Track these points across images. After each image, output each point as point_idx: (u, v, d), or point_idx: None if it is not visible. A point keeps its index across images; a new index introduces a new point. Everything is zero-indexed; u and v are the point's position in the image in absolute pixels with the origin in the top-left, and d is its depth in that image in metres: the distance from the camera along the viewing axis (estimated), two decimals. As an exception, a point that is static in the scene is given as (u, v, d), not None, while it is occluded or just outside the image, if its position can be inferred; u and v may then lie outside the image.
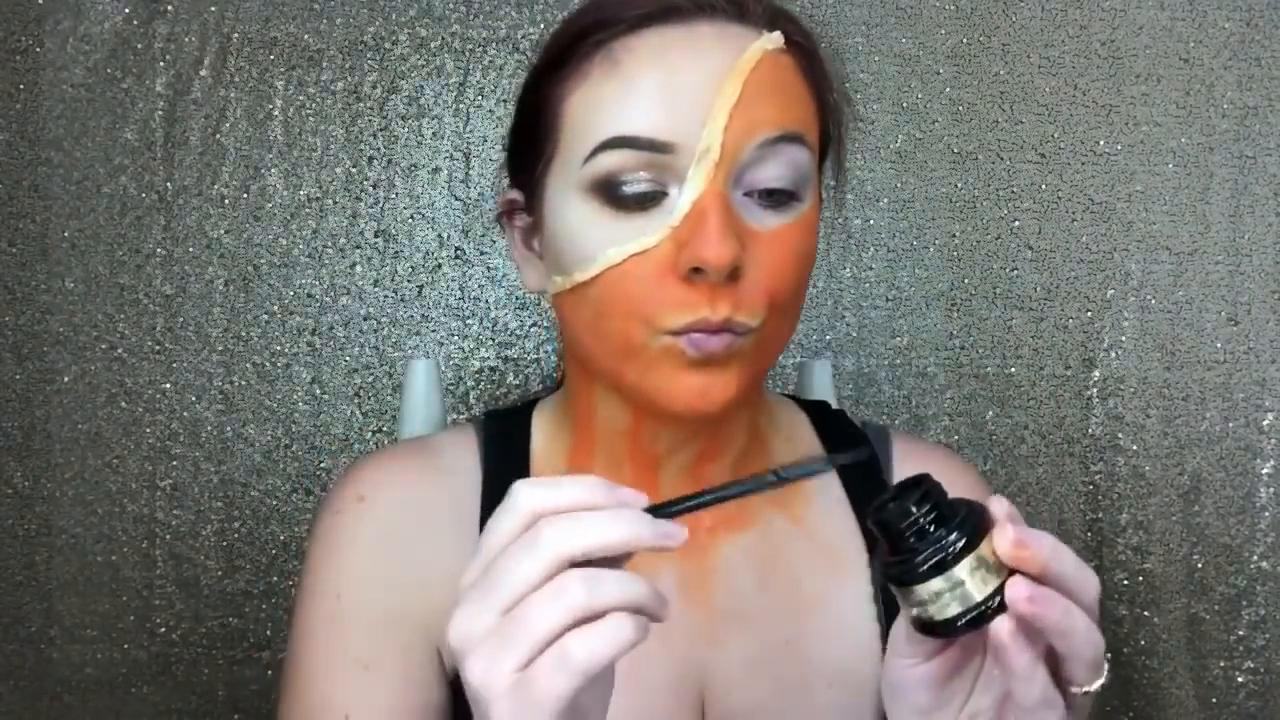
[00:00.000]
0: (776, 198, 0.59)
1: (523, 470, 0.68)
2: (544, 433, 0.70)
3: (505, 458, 0.68)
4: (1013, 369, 1.18)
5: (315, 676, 0.61)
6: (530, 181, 0.64)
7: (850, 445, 0.76)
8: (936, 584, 0.40)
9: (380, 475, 0.66)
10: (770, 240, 0.58)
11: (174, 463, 1.16)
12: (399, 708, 0.60)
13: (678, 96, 0.57)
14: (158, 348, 1.16)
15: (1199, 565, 1.19)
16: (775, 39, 0.59)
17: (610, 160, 0.57)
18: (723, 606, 0.66)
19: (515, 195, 0.66)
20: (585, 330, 0.61)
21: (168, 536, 1.16)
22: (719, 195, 0.56)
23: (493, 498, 0.65)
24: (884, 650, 0.68)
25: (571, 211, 0.59)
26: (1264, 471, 1.18)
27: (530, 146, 0.63)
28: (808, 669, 0.66)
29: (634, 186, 0.57)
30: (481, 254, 1.17)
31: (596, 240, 0.58)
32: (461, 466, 0.68)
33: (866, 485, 0.73)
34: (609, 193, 0.58)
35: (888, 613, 0.69)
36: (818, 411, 0.78)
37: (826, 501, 0.72)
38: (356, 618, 0.62)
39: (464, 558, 0.60)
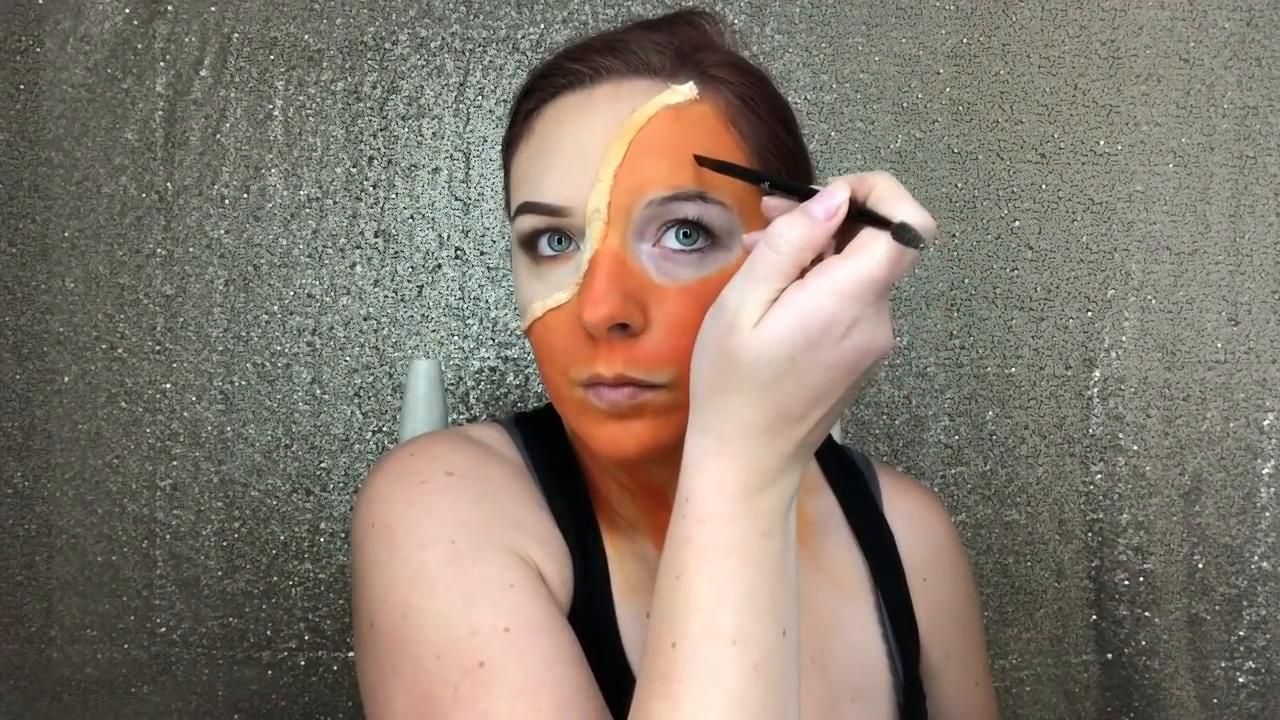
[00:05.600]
0: (693, 248, 0.59)
1: (575, 472, 0.69)
2: (574, 440, 0.72)
3: (554, 458, 0.69)
4: (1013, 369, 1.18)
5: (450, 612, 0.57)
6: None
7: (844, 472, 0.78)
8: None
9: (459, 455, 0.65)
10: (680, 296, 0.58)
11: (174, 463, 1.16)
12: (553, 621, 0.58)
13: (572, 162, 0.59)
14: (158, 348, 1.16)
15: (1200, 565, 1.19)
16: (680, 91, 0.59)
17: (525, 223, 0.61)
18: None
19: None
20: (540, 372, 0.65)
21: (168, 536, 1.16)
22: (609, 254, 0.58)
23: (549, 490, 0.67)
24: (892, 672, 0.70)
25: (515, 263, 0.64)
26: (1265, 471, 1.18)
27: (506, 201, 0.69)
28: (833, 687, 0.68)
29: (551, 243, 0.61)
30: (481, 254, 1.17)
31: (529, 293, 0.62)
32: (513, 459, 0.69)
33: (867, 516, 0.76)
34: (532, 249, 0.62)
35: (896, 638, 0.72)
36: None
37: (832, 533, 0.74)
38: (482, 551, 0.60)
39: (544, 530, 0.63)
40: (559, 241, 0.60)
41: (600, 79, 0.61)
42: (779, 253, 0.50)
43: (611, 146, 0.58)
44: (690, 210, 0.58)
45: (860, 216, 0.50)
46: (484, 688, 0.54)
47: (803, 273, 0.50)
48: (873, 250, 0.49)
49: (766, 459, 0.51)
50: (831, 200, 0.50)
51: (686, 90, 0.60)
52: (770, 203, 0.56)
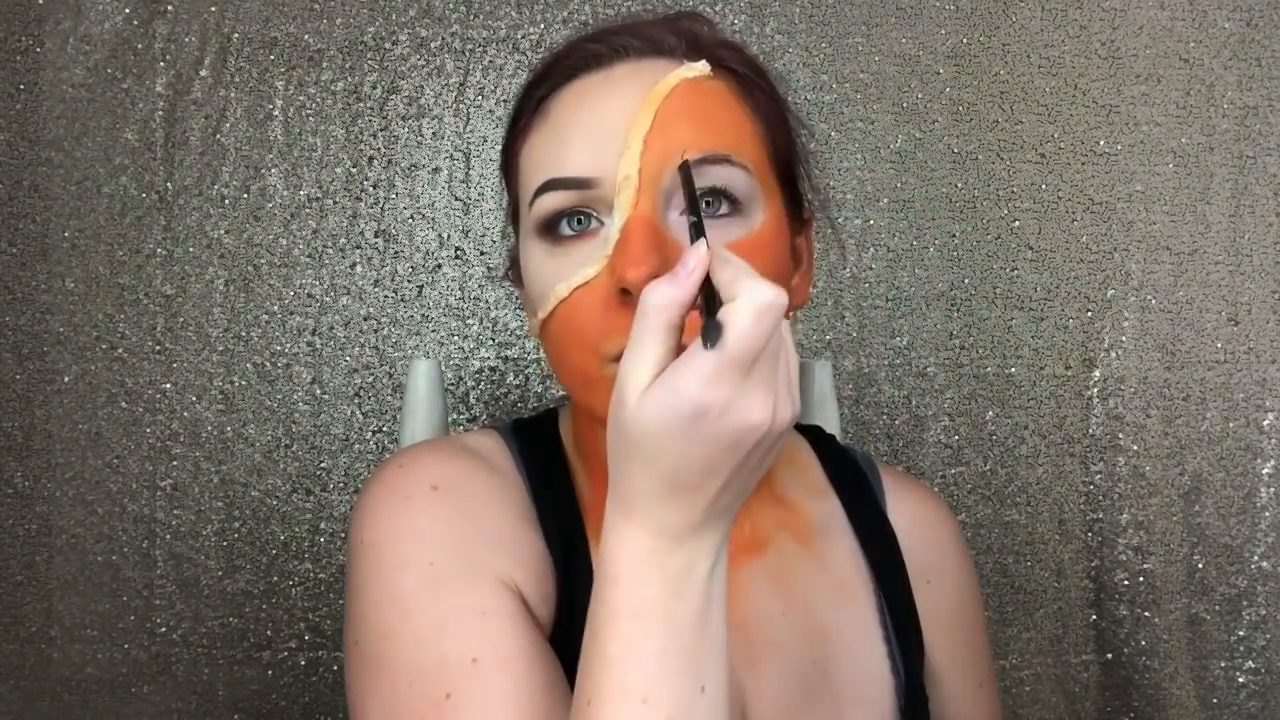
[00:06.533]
0: (718, 215, 0.60)
1: (566, 482, 0.69)
2: (570, 448, 0.72)
3: (547, 467, 0.69)
4: (1013, 369, 1.18)
5: (423, 639, 0.58)
6: (516, 234, 0.68)
7: (848, 473, 0.78)
8: None
9: (447, 468, 0.66)
10: None
11: (174, 463, 1.16)
12: (524, 649, 0.59)
13: (597, 134, 0.60)
14: (158, 348, 1.16)
15: (1200, 565, 1.19)
16: (695, 67, 0.61)
17: (547, 202, 0.61)
18: (753, 630, 0.68)
19: (514, 248, 0.70)
20: (556, 366, 0.65)
21: (168, 536, 1.16)
22: (642, 219, 0.58)
23: (542, 501, 0.67)
24: (894, 674, 0.69)
25: (530, 255, 0.64)
26: (1264, 471, 1.18)
27: (510, 203, 0.69)
28: (834, 690, 0.68)
29: (571, 224, 0.61)
30: (481, 254, 1.17)
31: (548, 278, 0.62)
32: (506, 470, 0.69)
33: (870, 519, 0.76)
34: (551, 232, 0.61)
35: (899, 640, 0.72)
36: (812, 435, 0.81)
37: (835, 535, 0.74)
38: (459, 575, 0.61)
39: (528, 547, 0.63)
40: (579, 221, 0.61)
41: (619, 58, 0.62)
42: (645, 316, 0.50)
43: (639, 114, 0.59)
44: (718, 175, 0.59)
45: (707, 294, 0.51)
46: None
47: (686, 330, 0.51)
48: (736, 331, 0.48)
49: (670, 523, 0.51)
50: (689, 257, 0.50)
51: (701, 66, 0.62)
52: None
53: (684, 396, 0.48)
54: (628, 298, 0.57)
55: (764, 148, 0.63)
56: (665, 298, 0.50)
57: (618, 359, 0.58)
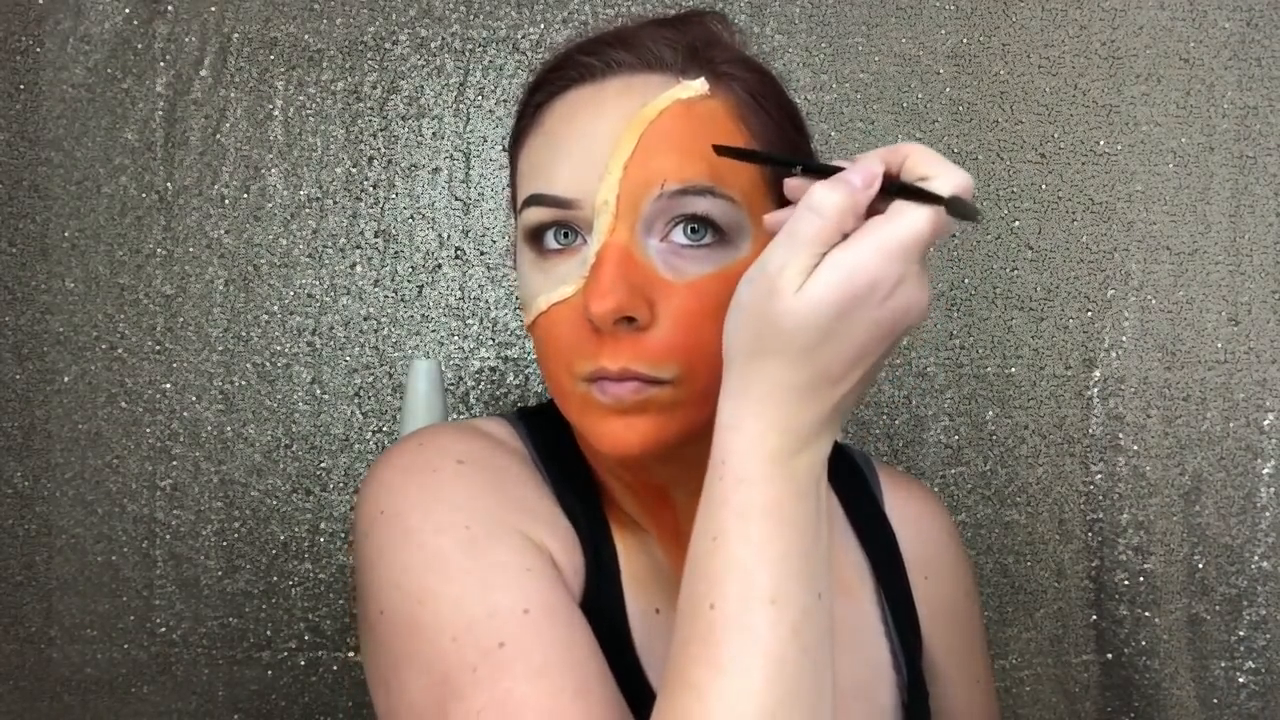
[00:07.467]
0: (700, 244, 0.59)
1: (582, 464, 0.69)
2: (579, 434, 0.71)
3: (559, 450, 0.69)
4: (1013, 369, 1.18)
5: (468, 595, 0.57)
6: (517, 225, 0.68)
7: (845, 470, 0.78)
8: None
9: (469, 445, 0.65)
10: (686, 292, 0.58)
11: (174, 463, 1.16)
12: (570, 606, 0.58)
13: (581, 155, 0.59)
14: (158, 348, 1.16)
15: (1200, 565, 1.19)
16: (691, 86, 0.60)
17: (532, 215, 0.61)
18: None
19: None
20: (540, 367, 0.65)
21: (168, 536, 1.16)
22: (616, 247, 0.58)
23: (557, 483, 0.66)
24: (895, 669, 0.70)
25: (521, 258, 0.64)
26: (1265, 471, 1.18)
27: (511, 195, 0.69)
28: (837, 685, 0.68)
29: (557, 237, 0.60)
30: (481, 254, 1.17)
31: (533, 287, 0.62)
32: (520, 451, 0.69)
33: (868, 514, 0.76)
34: (537, 242, 0.61)
35: (899, 635, 0.72)
36: None
37: (834, 531, 0.74)
38: (498, 537, 0.60)
39: (555, 520, 0.63)
40: (565, 235, 0.60)
41: (612, 73, 0.61)
42: (823, 217, 0.50)
43: (622, 139, 0.58)
44: (700, 205, 0.58)
45: (897, 192, 0.50)
46: (505, 668, 0.54)
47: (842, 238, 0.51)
48: (918, 209, 0.49)
49: (803, 420, 0.51)
50: (868, 170, 0.51)
51: (698, 85, 0.60)
52: (793, 183, 0.56)
53: (860, 269, 0.48)
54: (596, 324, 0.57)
55: (759, 172, 0.61)
56: (846, 205, 0.50)
57: (588, 379, 0.59)
